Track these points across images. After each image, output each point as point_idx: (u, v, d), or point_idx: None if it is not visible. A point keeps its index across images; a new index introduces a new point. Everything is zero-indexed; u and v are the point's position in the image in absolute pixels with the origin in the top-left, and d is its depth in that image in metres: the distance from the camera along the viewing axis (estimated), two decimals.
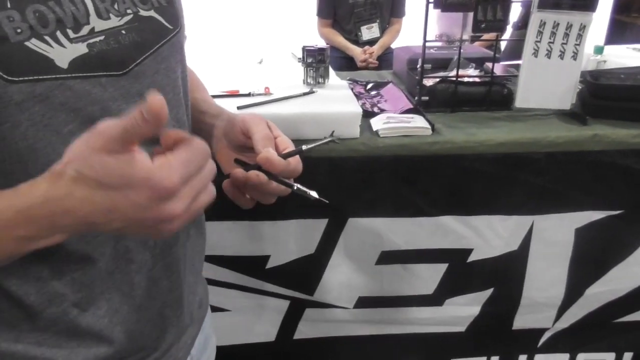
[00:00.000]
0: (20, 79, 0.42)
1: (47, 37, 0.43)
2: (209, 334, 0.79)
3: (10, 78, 0.41)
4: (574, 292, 1.29)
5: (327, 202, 0.54)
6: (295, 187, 0.55)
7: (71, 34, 0.45)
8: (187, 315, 0.68)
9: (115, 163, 0.38)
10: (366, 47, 2.59)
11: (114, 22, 0.49)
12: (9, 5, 0.41)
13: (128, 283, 0.57)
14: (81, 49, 0.46)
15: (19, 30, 0.41)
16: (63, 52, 0.44)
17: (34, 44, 0.42)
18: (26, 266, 0.50)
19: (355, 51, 2.60)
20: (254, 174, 0.55)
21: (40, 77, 0.43)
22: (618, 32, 3.45)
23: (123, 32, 0.49)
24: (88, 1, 0.47)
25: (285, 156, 0.56)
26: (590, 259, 1.25)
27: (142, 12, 0.52)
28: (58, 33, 0.44)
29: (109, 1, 0.49)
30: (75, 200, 0.39)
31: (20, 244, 0.42)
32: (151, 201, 0.39)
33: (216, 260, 1.18)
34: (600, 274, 1.27)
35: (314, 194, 0.55)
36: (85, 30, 0.46)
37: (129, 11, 0.50)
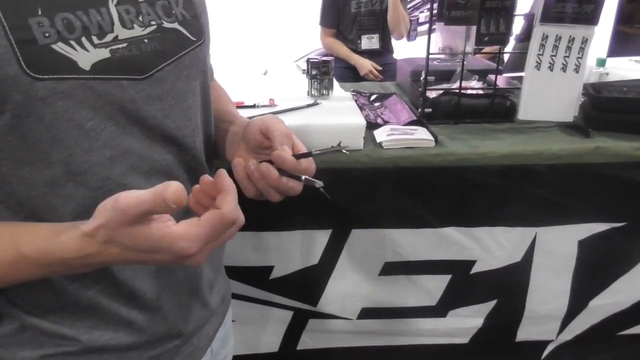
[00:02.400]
0: (46, 76, 0.46)
1: (72, 42, 0.47)
2: (228, 331, 0.82)
3: (36, 75, 0.46)
4: (577, 304, 1.29)
5: (329, 197, 0.58)
6: (303, 178, 0.58)
7: (95, 40, 0.49)
8: (207, 307, 0.71)
9: (141, 234, 0.45)
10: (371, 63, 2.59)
11: (137, 31, 0.53)
12: (39, 12, 0.45)
13: (146, 271, 0.60)
14: (104, 53, 0.50)
15: (47, 35, 0.46)
16: (86, 56, 0.49)
17: (59, 47, 0.47)
18: None
19: (359, 61, 2.61)
20: (264, 165, 0.58)
21: (64, 76, 0.47)
22: (621, 44, 3.45)
23: (145, 40, 0.53)
24: (114, 12, 0.51)
25: (298, 157, 0.59)
26: (594, 270, 1.25)
27: (166, 24, 0.56)
28: (83, 39, 0.48)
29: (134, 13, 0.53)
30: (109, 256, 0.47)
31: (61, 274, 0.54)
32: (174, 260, 0.47)
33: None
34: (603, 286, 1.27)
35: (320, 183, 0.57)
36: (109, 37, 0.50)
37: (152, 22, 0.54)
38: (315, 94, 1.25)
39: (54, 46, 0.46)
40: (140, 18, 0.53)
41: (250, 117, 1.08)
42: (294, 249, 1.18)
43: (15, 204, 0.51)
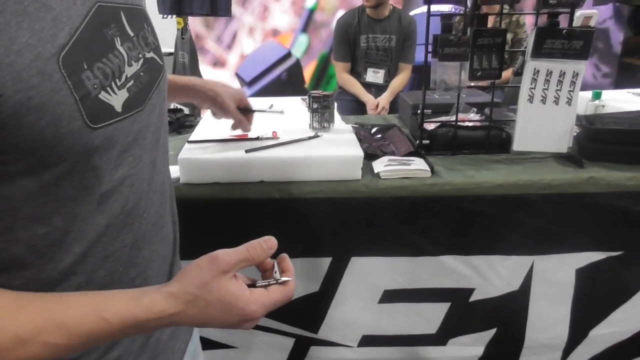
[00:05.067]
0: (99, 125, 0.50)
1: (108, 89, 0.52)
2: (197, 347, 0.83)
3: (93, 126, 0.49)
4: (578, 333, 1.29)
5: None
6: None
7: (119, 82, 0.53)
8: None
9: (226, 288, 0.52)
10: (378, 101, 2.66)
11: (135, 67, 0.57)
12: (85, 67, 0.49)
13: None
14: (125, 93, 0.54)
15: (95, 86, 0.50)
16: (117, 99, 0.53)
17: (103, 96, 0.51)
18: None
19: (370, 101, 2.67)
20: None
21: (109, 122, 0.52)
22: (626, 75, 3.49)
23: (141, 74, 0.58)
24: (123, 52, 0.55)
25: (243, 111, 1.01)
26: (593, 299, 1.26)
27: (147, 55, 0.61)
28: (112, 84, 0.52)
29: (132, 49, 0.57)
30: (186, 316, 0.52)
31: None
32: (239, 321, 0.54)
33: None
34: (603, 316, 1.28)
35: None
36: (124, 77, 0.54)
37: (140, 55, 0.59)
38: (317, 127, 1.31)
39: (100, 96, 0.50)
40: (134, 53, 0.57)
41: (251, 150, 1.14)
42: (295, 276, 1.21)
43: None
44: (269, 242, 0.57)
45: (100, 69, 0.51)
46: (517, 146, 1.25)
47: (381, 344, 1.30)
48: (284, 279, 0.57)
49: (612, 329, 1.28)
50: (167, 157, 0.69)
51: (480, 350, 1.31)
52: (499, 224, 1.19)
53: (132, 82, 0.56)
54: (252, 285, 0.56)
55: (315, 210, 1.15)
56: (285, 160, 1.13)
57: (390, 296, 1.24)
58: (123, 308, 0.50)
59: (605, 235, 1.20)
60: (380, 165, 1.19)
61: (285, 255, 0.60)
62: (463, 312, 1.26)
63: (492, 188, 1.15)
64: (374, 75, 2.70)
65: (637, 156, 1.20)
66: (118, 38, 0.55)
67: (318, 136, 1.25)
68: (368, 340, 1.29)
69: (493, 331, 1.29)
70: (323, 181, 1.14)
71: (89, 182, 0.52)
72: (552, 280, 1.23)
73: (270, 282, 0.56)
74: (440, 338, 1.30)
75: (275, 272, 0.58)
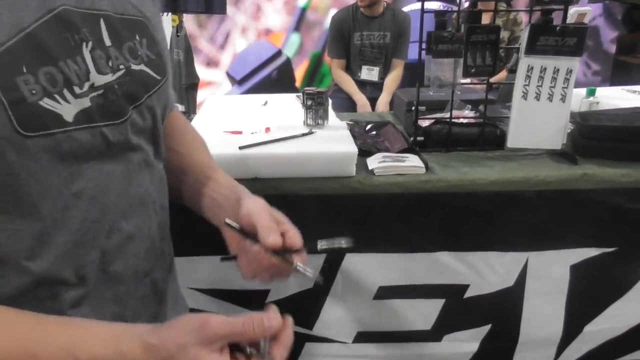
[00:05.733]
0: (35, 134, 0.47)
1: (56, 96, 0.49)
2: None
3: (27, 134, 0.47)
4: (572, 329, 1.29)
5: (322, 284, 0.59)
6: (295, 265, 0.60)
7: (77, 90, 0.51)
8: None
9: None
10: (368, 102, 2.66)
11: (109, 77, 0.55)
12: (24, 70, 0.46)
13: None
14: (84, 102, 0.52)
15: (33, 92, 0.47)
16: (69, 108, 0.50)
17: (46, 102, 0.48)
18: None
19: (361, 101, 2.67)
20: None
21: (52, 131, 0.49)
22: (622, 73, 3.50)
23: (116, 86, 0.55)
24: (89, 59, 0.53)
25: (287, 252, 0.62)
26: (587, 295, 1.26)
27: (134, 67, 0.59)
28: (65, 91, 0.50)
29: (105, 58, 0.55)
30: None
31: None
32: None
33: (218, 294, 1.22)
34: (598, 311, 1.28)
35: (310, 273, 0.59)
36: (86, 86, 0.52)
37: (121, 67, 0.57)
38: (311, 124, 1.30)
39: (40, 102, 0.47)
40: (110, 63, 0.55)
41: (245, 146, 1.13)
42: None
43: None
44: (272, 321, 0.51)
45: (49, 74, 0.48)
46: (511, 143, 1.26)
47: (376, 341, 1.30)
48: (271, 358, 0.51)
49: (607, 324, 1.28)
50: (159, 172, 0.67)
51: (475, 346, 1.31)
52: (494, 221, 1.19)
53: (100, 92, 0.53)
54: (240, 350, 0.51)
55: (310, 207, 1.15)
56: (280, 156, 1.13)
57: (385, 293, 1.24)
58: (98, 351, 0.48)
59: (599, 231, 1.20)
60: (374, 162, 1.19)
61: (289, 329, 0.53)
62: (458, 308, 1.26)
63: (486, 185, 1.15)
64: (369, 73, 2.71)
65: (630, 152, 1.20)
66: (88, 44, 0.52)
67: (312, 133, 1.25)
68: (363, 337, 1.29)
69: (488, 327, 1.29)
70: (317, 178, 1.14)
71: (31, 194, 0.49)
72: (547, 276, 1.23)
73: None
74: (435, 334, 1.30)
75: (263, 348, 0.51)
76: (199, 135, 0.86)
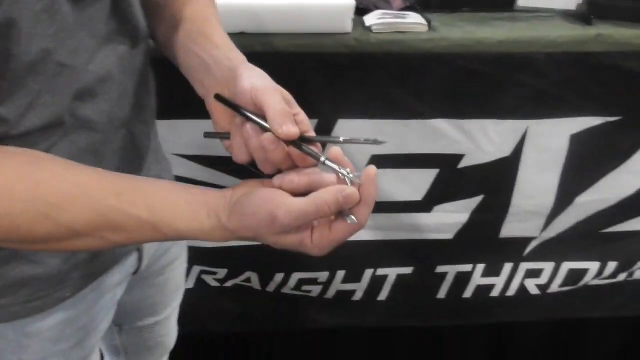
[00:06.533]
0: None
1: None
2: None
3: None
4: (563, 200, 1.29)
5: (359, 182, 0.47)
6: (323, 160, 0.48)
7: None
8: None
9: (287, 242, 0.47)
10: None
11: None
12: None
13: None
14: None
15: None
16: None
17: None
18: None
19: None
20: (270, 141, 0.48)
21: None
22: None
23: None
24: None
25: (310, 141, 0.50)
26: (584, 166, 1.23)
27: None
28: None
29: None
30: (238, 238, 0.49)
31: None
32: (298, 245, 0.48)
33: (206, 161, 1.16)
34: (591, 182, 1.26)
35: (343, 171, 0.47)
36: None
37: None
38: None
39: None
40: None
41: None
42: None
43: None
44: (347, 198, 0.45)
45: None
46: (522, 1, 1.15)
47: None
48: (353, 218, 0.46)
49: (599, 195, 1.27)
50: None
51: (465, 217, 1.31)
52: (497, 85, 1.12)
53: None
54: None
55: (301, 66, 1.06)
56: (269, 8, 1.02)
57: (378, 161, 1.19)
58: (182, 227, 0.48)
59: (605, 98, 1.15)
60: (372, 19, 1.09)
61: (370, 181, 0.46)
62: (450, 178, 1.23)
63: (493, 45, 1.07)
64: None
65: None
66: None
67: None
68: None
69: (479, 198, 1.28)
70: (310, 33, 1.04)
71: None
72: (545, 146, 1.20)
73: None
74: (425, 205, 1.28)
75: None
76: None
